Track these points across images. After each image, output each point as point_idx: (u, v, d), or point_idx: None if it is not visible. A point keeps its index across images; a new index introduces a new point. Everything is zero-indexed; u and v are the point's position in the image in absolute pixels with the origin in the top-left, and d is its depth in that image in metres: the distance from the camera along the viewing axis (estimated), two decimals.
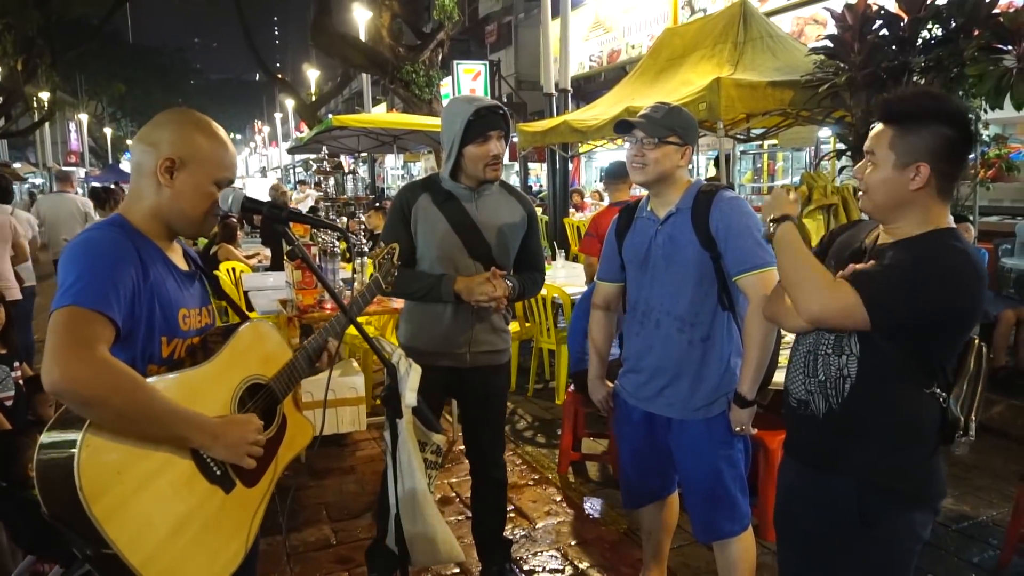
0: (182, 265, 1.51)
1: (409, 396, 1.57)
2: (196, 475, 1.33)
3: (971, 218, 5.32)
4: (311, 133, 11.48)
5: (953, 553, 2.95)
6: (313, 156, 12.87)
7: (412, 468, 1.58)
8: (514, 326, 5.25)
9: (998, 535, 3.05)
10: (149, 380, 1.28)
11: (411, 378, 1.59)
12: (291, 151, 18.74)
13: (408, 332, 2.43)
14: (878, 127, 1.53)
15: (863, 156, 1.57)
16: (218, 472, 1.36)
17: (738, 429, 2.08)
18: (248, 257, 7.24)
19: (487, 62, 16.07)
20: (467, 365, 2.41)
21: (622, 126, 2.14)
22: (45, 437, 1.21)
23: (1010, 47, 4.22)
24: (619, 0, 12.47)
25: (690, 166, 2.23)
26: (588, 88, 13.99)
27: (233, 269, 5.93)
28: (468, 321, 2.35)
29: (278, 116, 41.01)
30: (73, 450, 1.17)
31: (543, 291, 4.76)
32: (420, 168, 19.58)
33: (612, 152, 12.57)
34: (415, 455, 1.59)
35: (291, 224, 1.54)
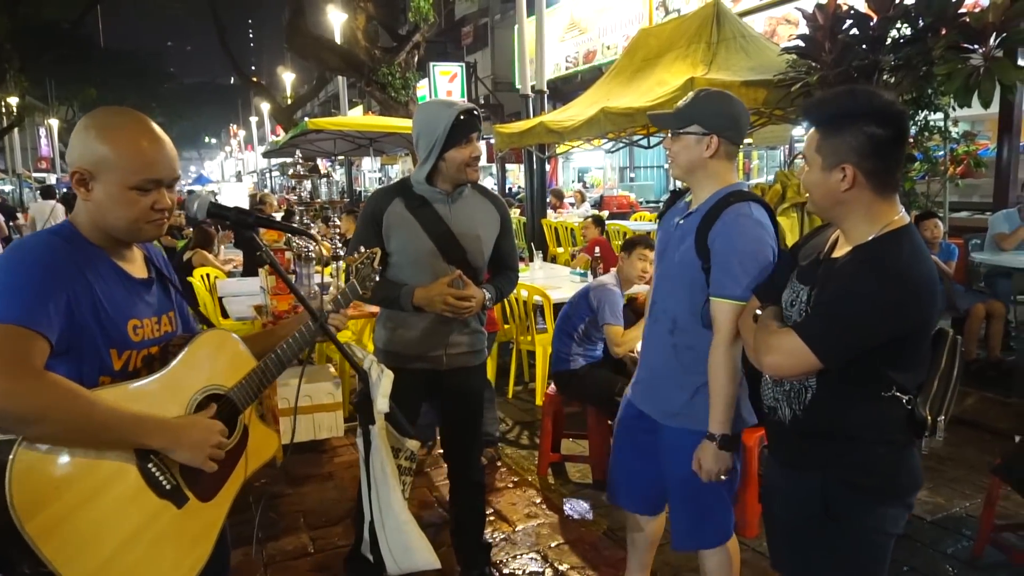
0: (138, 272, 1.44)
1: (381, 402, 1.55)
2: (144, 490, 1.28)
3: (940, 214, 5.41)
4: (286, 137, 11.38)
5: (928, 545, 2.98)
6: (289, 160, 12.78)
7: (386, 475, 1.56)
8: (494, 327, 5.24)
9: (972, 526, 3.09)
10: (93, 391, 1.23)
11: (383, 384, 1.57)
12: (266, 155, 18.58)
13: (384, 337, 2.41)
14: (810, 130, 1.56)
15: None
16: (168, 486, 1.31)
17: (698, 468, 1.92)
18: (225, 263, 7.16)
19: (463, 64, 16.08)
20: (444, 367, 2.39)
21: (654, 121, 2.10)
22: None
23: (976, 46, 4.29)
24: (594, 1, 12.51)
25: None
26: (565, 89, 14.02)
27: (208, 275, 5.86)
28: (444, 324, 2.34)
29: (254, 120, 40.65)
30: (4, 465, 1.12)
31: (523, 293, 4.79)
32: (398, 171, 19.50)
33: (589, 153, 12.60)
34: (388, 462, 1.57)
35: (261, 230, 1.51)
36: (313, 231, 5.91)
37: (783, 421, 1.63)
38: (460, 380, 2.43)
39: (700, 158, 1.94)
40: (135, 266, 1.45)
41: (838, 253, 1.57)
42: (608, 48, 11.97)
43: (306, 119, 10.16)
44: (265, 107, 28.86)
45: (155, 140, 1.37)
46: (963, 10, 4.50)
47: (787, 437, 1.65)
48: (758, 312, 1.68)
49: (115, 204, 1.34)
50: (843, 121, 1.47)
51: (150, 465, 1.29)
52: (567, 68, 13.57)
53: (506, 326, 5.13)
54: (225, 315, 5.03)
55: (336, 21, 15.41)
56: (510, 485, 3.63)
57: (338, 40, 14.84)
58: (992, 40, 4.27)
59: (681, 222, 2.02)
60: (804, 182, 1.57)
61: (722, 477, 1.92)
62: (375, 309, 3.89)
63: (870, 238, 1.50)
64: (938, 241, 5.23)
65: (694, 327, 1.96)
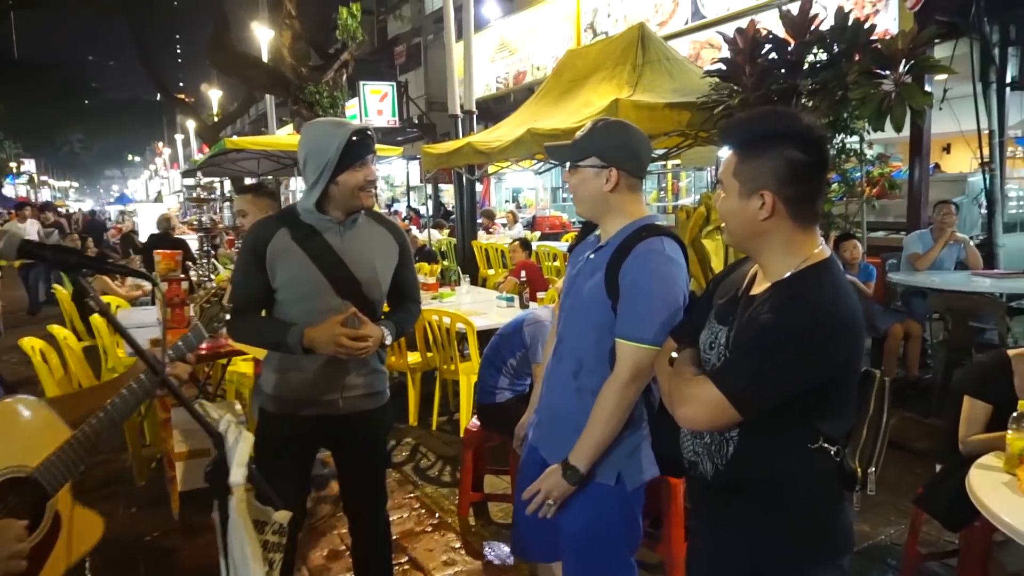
0: None
1: (235, 473, 1.33)
2: None
3: (859, 235, 5.51)
4: (205, 156, 10.93)
5: None
6: (205, 180, 12.28)
7: (246, 557, 1.34)
8: (416, 356, 5.03)
9: (897, 555, 3.05)
10: None
11: (240, 449, 1.36)
12: (186, 174, 17.88)
13: (271, 380, 2.18)
14: (727, 153, 1.43)
15: None
16: None
17: (538, 493, 1.81)
18: (134, 289, 6.71)
19: (394, 83, 15.87)
20: (340, 412, 2.18)
21: (551, 154, 1.98)
22: None
23: (888, 72, 4.38)
24: (523, 22, 12.54)
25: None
26: (498, 109, 13.96)
27: (107, 305, 5.43)
28: (339, 364, 2.12)
29: (179, 138, 39.30)
30: None
31: (446, 320, 4.59)
32: None
33: (521, 173, 12.56)
34: (249, 541, 1.35)
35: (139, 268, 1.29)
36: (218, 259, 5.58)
37: (705, 476, 1.49)
38: (359, 425, 2.22)
39: (600, 192, 1.83)
40: None
41: (756, 290, 1.44)
42: (538, 69, 11.98)
43: (226, 138, 9.74)
44: (191, 125, 27.91)
45: None
46: (875, 37, 4.61)
47: (710, 493, 1.51)
48: (674, 355, 1.54)
49: None
50: (762, 144, 1.36)
51: None
52: (498, 88, 13.53)
53: (429, 354, 4.92)
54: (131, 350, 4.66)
55: (263, 38, 15.03)
56: (428, 528, 3.41)
57: (265, 57, 14.45)
58: (902, 66, 4.37)
59: (592, 256, 1.88)
60: (720, 210, 1.45)
61: (549, 502, 1.81)
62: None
63: (788, 273, 1.38)
64: (857, 262, 5.32)
65: (600, 371, 1.81)
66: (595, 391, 1.80)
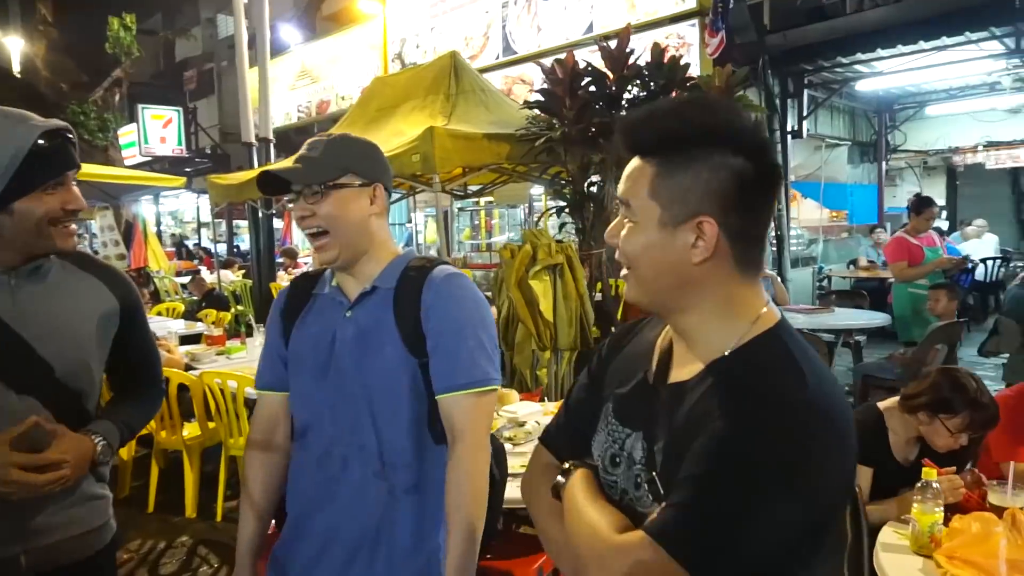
0: None
1: None
2: None
3: None
4: None
5: None
6: None
7: None
8: (195, 428, 4.09)
9: None
10: None
11: None
12: None
13: None
14: (634, 163, 0.92)
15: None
16: None
17: None
18: None
19: (179, 109, 14.33)
20: (24, 569, 1.38)
21: (268, 184, 1.40)
22: None
23: None
24: (326, 49, 11.82)
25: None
26: (300, 140, 12.97)
27: None
28: (20, 500, 1.32)
29: None
30: None
31: (232, 383, 3.74)
32: (96, 227, 16.62)
33: None
34: None
35: None
36: None
37: None
38: None
39: (364, 217, 1.41)
40: None
41: (682, 373, 0.92)
42: (343, 99, 11.27)
43: None
44: None
45: None
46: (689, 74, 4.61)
47: None
48: (560, 480, 0.99)
49: None
50: (698, 147, 0.87)
51: None
52: (299, 118, 12.60)
53: (211, 425, 4.01)
54: None
55: (13, 47, 12.82)
56: None
57: (16, 69, 12.32)
58: None
59: (350, 315, 1.41)
60: (625, 248, 0.91)
61: None
62: None
63: (730, 348, 0.88)
64: None
65: (416, 458, 1.38)
66: (412, 486, 1.39)
